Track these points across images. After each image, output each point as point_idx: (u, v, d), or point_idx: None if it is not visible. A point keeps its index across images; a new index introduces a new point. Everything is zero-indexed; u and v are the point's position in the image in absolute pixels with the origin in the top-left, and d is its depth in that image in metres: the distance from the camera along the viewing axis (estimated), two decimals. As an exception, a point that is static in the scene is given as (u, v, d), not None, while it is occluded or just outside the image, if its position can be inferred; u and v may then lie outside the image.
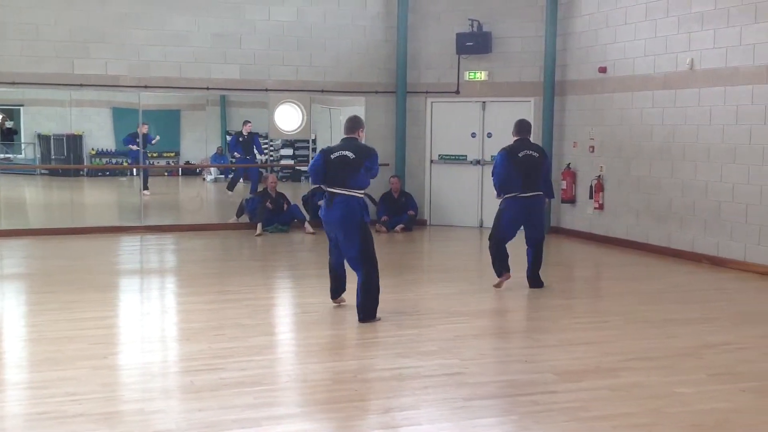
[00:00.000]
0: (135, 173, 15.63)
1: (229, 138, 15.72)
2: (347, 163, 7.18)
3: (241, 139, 14.93)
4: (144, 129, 14.05)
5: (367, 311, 7.13)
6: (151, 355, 6.29)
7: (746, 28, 9.79)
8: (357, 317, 7.13)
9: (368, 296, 7.13)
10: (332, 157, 7.23)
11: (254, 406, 4.95)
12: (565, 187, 12.92)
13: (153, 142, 15.14)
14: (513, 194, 8.43)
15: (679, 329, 7.03)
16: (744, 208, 9.91)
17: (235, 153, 15.18)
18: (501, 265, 8.64)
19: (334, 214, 7.17)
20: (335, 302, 7.64)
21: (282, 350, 6.63)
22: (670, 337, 6.78)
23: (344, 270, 7.51)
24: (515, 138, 8.62)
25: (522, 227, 8.72)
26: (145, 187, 15.08)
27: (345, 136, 7.43)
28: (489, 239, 8.77)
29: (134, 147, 14.46)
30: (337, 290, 7.60)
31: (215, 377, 5.50)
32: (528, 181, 8.41)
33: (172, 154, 16.59)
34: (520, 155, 8.41)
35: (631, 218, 11.76)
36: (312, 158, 7.55)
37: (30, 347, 6.40)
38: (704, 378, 5.66)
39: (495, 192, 8.64)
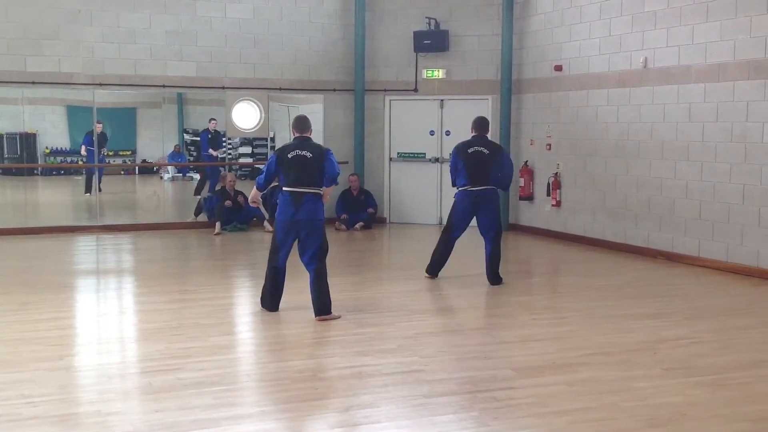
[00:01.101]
0: (84, 172, 15.38)
1: (188, 137, 15.59)
2: (306, 163, 7.20)
3: (210, 136, 14.81)
4: (99, 128, 13.85)
5: (327, 304, 7.17)
6: (109, 356, 6.22)
7: (698, 27, 9.96)
8: (314, 315, 7.13)
9: (325, 289, 7.19)
10: (289, 156, 7.23)
11: (213, 407, 4.92)
12: (522, 185, 13.04)
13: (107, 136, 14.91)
14: (464, 187, 8.74)
15: (635, 324, 7.14)
16: (698, 205, 10.09)
17: (210, 150, 15.10)
18: (435, 266, 8.99)
19: (302, 213, 7.17)
20: (271, 311, 7.40)
21: (241, 349, 6.60)
22: (626, 332, 6.88)
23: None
24: (472, 134, 8.89)
25: (475, 221, 8.97)
26: (98, 188, 14.86)
27: (298, 135, 7.41)
28: (442, 233, 9.06)
29: (88, 148, 14.23)
30: (279, 297, 7.41)
31: (173, 378, 5.46)
32: (477, 176, 8.67)
33: (129, 153, 16.38)
34: (470, 151, 8.72)
35: (588, 215, 11.91)
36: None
37: (-17, 350, 6.28)
38: (660, 372, 5.75)
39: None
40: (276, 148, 8.16)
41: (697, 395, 5.27)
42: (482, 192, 8.73)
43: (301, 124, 7.47)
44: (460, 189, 8.80)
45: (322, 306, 7.15)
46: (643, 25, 10.75)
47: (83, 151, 14.50)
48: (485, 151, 8.75)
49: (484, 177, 8.70)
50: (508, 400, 5.09)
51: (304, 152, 7.23)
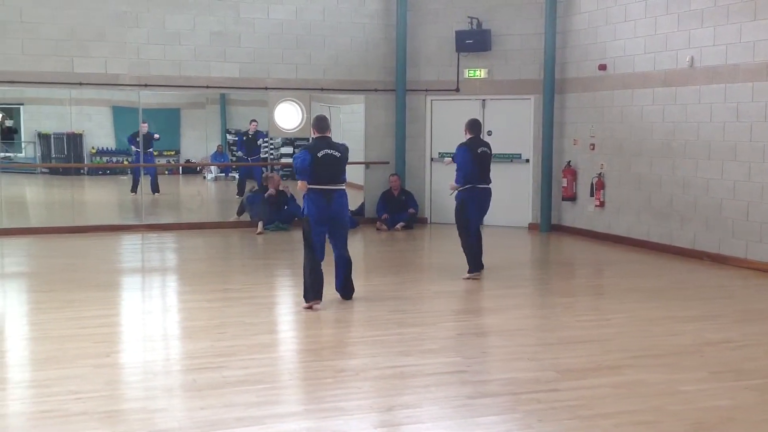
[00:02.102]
0: (130, 172, 15.63)
1: (231, 137, 15.75)
2: (336, 162, 7.65)
3: (245, 138, 14.95)
4: (144, 128, 14.04)
5: (352, 290, 7.96)
6: (154, 354, 6.29)
7: (745, 26, 9.79)
8: (344, 300, 7.84)
9: (351, 275, 7.96)
10: (318, 155, 7.55)
11: (257, 405, 4.95)
12: (565, 185, 12.92)
13: (156, 137, 15.13)
14: (471, 185, 9.12)
15: (681, 327, 7.04)
16: (745, 206, 9.91)
17: (239, 152, 15.23)
18: (476, 262, 9.21)
19: (335, 207, 7.63)
20: (316, 306, 7.52)
21: (284, 348, 6.64)
22: (672, 334, 6.78)
23: None
24: (469, 136, 9.29)
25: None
26: (156, 189, 15.15)
27: (320, 135, 7.74)
28: (460, 234, 9.27)
29: (135, 149, 14.47)
30: (322, 287, 7.62)
31: (218, 375, 5.51)
32: (483, 174, 9.21)
33: (173, 153, 16.59)
34: (479, 151, 9.19)
35: (632, 216, 11.77)
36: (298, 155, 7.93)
37: (32, 346, 6.40)
38: (706, 375, 5.67)
39: (452, 183, 9.25)
40: (302, 147, 8.48)
41: (745, 399, 5.18)
42: (488, 190, 9.25)
43: (322, 124, 7.84)
44: (468, 186, 9.09)
45: (351, 291, 7.93)
46: (689, 24, 10.59)
47: (133, 150, 14.77)
48: (488, 151, 9.32)
49: (488, 176, 9.26)
50: (552, 402, 5.05)
51: (333, 151, 7.64)
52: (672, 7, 10.85)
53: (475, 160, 9.06)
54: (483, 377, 5.56)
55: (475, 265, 9.16)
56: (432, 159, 14.08)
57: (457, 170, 9.17)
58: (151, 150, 14.90)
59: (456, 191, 9.17)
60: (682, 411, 4.91)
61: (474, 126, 9.36)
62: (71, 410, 4.83)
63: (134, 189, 14.81)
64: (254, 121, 14.94)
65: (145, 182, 14.38)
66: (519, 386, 5.35)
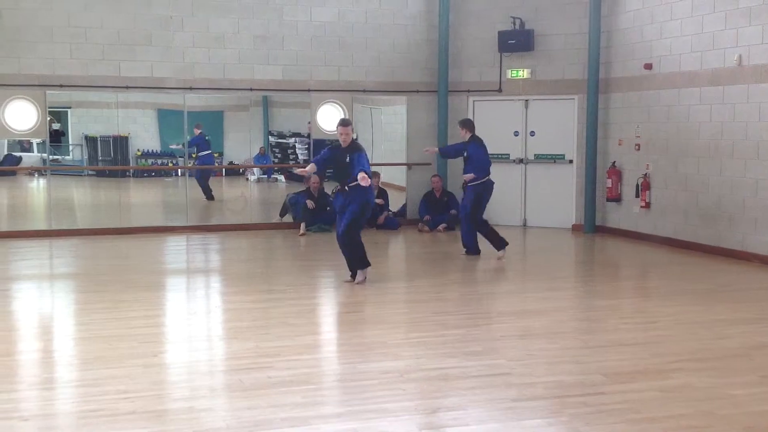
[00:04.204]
0: (179, 173, 15.91)
1: (273, 139, 15.90)
2: None
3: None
4: (197, 131, 14.37)
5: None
6: (199, 354, 6.36)
7: (797, 23, 9.60)
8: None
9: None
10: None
11: (303, 405, 4.98)
12: (610, 186, 12.78)
13: (207, 138, 15.44)
14: (486, 178, 10.40)
15: (730, 330, 6.92)
16: (795, 207, 9.72)
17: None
18: (500, 239, 10.42)
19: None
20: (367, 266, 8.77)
21: (328, 349, 6.66)
22: (720, 338, 6.67)
23: None
24: (470, 134, 10.52)
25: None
26: (210, 197, 15.43)
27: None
28: (473, 221, 10.49)
29: (192, 151, 14.88)
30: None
31: (263, 376, 5.54)
32: (489, 169, 10.55)
33: (217, 155, 16.76)
34: (485, 147, 10.55)
35: (679, 217, 11.60)
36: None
37: (81, 346, 6.50)
38: (757, 379, 5.56)
39: (472, 175, 10.38)
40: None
41: (798, 404, 5.07)
42: (493, 182, 10.57)
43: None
44: (484, 179, 10.35)
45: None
46: (737, 22, 10.41)
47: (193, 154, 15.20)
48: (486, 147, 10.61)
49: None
50: (599, 405, 4.99)
51: None
52: (719, 6, 10.67)
53: (487, 154, 10.41)
54: (528, 380, 5.51)
55: (501, 241, 10.33)
56: (474, 160, 14.01)
57: (471, 164, 10.38)
58: (209, 152, 15.32)
59: (470, 183, 10.37)
60: (732, 415, 4.83)
61: (471, 125, 10.64)
62: (119, 409, 4.89)
63: (209, 196, 15.35)
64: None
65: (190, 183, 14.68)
66: (565, 389, 5.31)
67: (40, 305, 8.19)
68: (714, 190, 10.94)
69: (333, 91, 13.57)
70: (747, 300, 8.23)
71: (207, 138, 15.51)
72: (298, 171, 9.65)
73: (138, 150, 16.56)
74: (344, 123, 8.80)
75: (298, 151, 16.60)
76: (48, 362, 6.12)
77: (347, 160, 8.53)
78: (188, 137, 14.55)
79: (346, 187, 8.61)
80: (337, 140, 8.86)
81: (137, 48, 12.67)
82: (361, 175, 8.19)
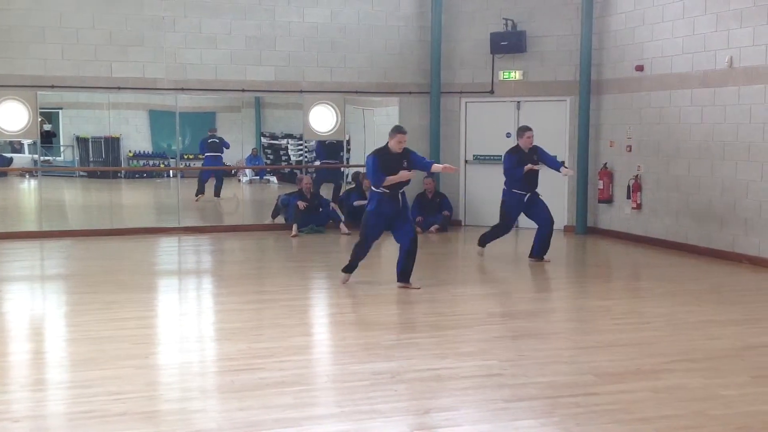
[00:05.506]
0: (171, 175, 15.94)
1: (265, 140, 15.89)
2: None
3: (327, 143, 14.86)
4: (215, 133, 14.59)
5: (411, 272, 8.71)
6: (191, 355, 6.34)
7: (787, 25, 9.64)
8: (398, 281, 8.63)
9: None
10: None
11: (294, 406, 4.97)
12: (601, 187, 12.81)
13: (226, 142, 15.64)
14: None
15: (722, 330, 6.94)
16: (786, 208, 9.76)
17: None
18: (488, 240, 10.81)
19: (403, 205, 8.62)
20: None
21: (320, 350, 6.66)
22: (711, 338, 6.69)
23: None
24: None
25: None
26: (217, 194, 15.54)
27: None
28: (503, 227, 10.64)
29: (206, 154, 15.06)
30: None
31: (255, 377, 5.54)
32: None
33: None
34: None
35: (670, 218, 11.64)
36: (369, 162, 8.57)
37: (72, 347, 6.48)
38: (748, 380, 5.58)
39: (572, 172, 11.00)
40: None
41: (789, 405, 5.09)
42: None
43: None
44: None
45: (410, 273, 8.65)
46: (728, 24, 10.45)
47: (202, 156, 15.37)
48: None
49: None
50: (591, 406, 5.00)
51: None
52: (710, 8, 10.71)
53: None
54: (520, 380, 5.52)
55: (485, 241, 10.73)
56: (466, 161, 14.03)
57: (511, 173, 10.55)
58: (220, 155, 15.40)
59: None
60: (724, 416, 4.84)
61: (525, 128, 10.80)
62: (111, 411, 4.88)
63: (217, 193, 15.59)
64: None
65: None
66: (557, 390, 5.31)
67: (31, 306, 8.17)
68: (705, 191, 10.98)
69: (325, 92, 13.56)
70: (738, 301, 8.26)
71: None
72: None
73: (130, 151, 16.52)
74: (403, 131, 8.52)
75: (290, 152, 16.59)
76: (39, 363, 6.10)
77: (404, 164, 8.42)
78: (216, 140, 15.32)
79: (399, 194, 8.52)
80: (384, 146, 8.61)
81: (129, 49, 12.64)
82: (442, 166, 8.67)
